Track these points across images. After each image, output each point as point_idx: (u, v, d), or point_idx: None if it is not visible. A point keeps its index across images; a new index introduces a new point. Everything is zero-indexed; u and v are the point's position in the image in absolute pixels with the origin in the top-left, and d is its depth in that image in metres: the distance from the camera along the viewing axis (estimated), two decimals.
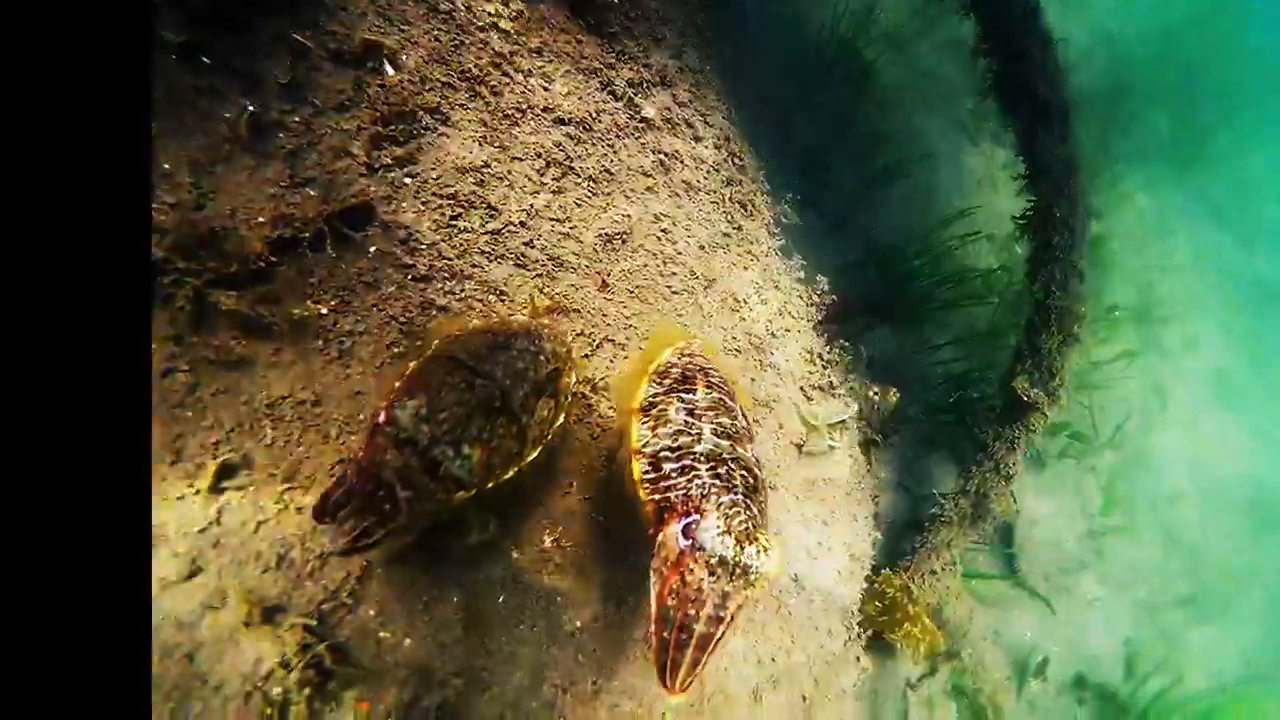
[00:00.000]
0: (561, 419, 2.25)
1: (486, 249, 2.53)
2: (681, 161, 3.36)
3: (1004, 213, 7.77)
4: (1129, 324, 8.44)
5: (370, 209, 2.18)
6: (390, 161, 2.30)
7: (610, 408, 2.64)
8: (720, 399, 2.18)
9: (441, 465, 1.68)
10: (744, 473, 1.93)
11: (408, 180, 2.35)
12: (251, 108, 1.98)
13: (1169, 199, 10.62)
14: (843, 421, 3.72)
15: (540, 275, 2.68)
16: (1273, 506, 9.12)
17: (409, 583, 2.16)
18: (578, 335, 2.74)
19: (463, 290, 2.44)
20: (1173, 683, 6.35)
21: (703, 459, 1.92)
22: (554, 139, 2.82)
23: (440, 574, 2.23)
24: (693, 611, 1.65)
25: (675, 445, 1.97)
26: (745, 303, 3.52)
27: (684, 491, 1.85)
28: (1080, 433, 7.01)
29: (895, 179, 6.96)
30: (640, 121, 3.20)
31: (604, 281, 2.83)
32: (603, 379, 2.65)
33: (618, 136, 3.10)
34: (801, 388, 3.72)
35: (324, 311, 2.11)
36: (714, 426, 2.04)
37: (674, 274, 3.19)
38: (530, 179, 2.72)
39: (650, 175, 3.20)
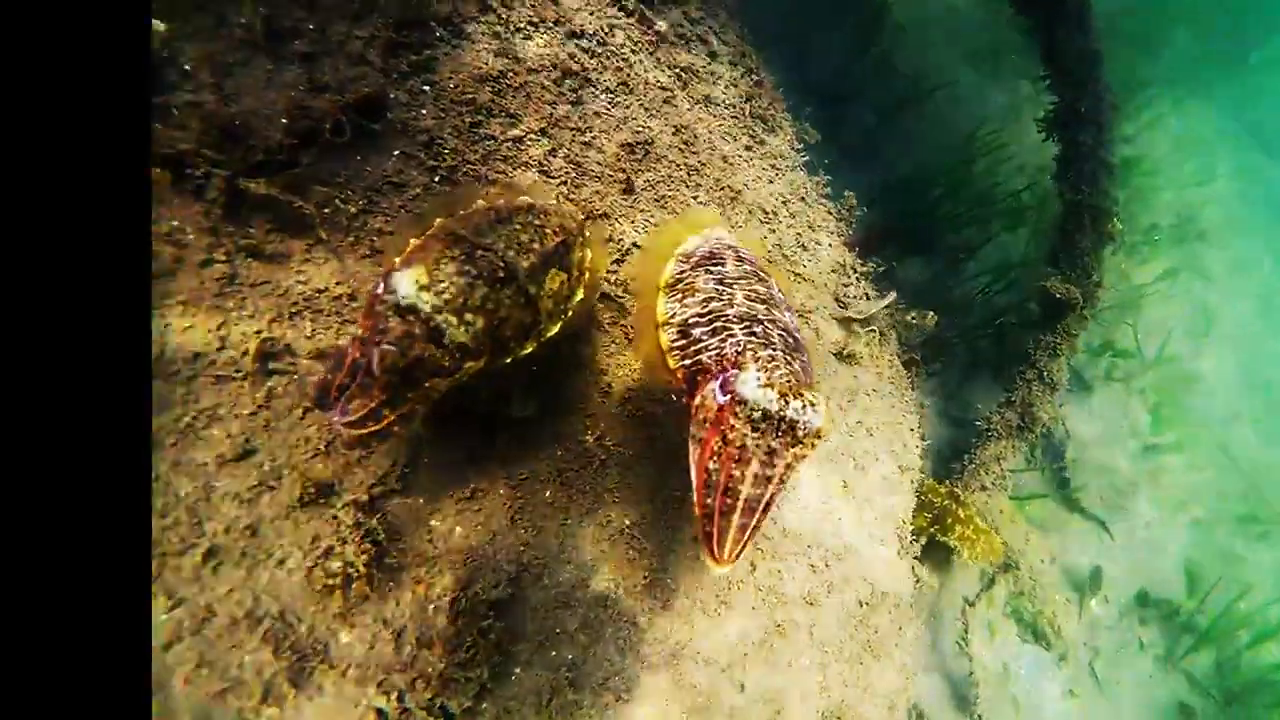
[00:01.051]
0: (581, 294, 2.16)
1: (509, 155, 2.52)
2: (698, 76, 3.32)
3: (1031, 145, 7.60)
4: (1169, 245, 8.19)
5: (383, 100, 2.17)
6: (407, 68, 2.30)
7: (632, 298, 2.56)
8: (753, 270, 2.03)
9: (446, 332, 1.58)
10: (782, 332, 1.79)
11: (426, 88, 2.35)
12: (264, 10, 1.99)
13: (1202, 120, 10.26)
14: (884, 309, 3.62)
15: (564, 183, 2.66)
16: None
17: (456, 473, 2.16)
18: (607, 240, 2.72)
19: (489, 193, 2.43)
20: (1236, 598, 6.16)
21: (736, 320, 1.78)
22: (569, 51, 2.80)
23: (485, 467, 2.23)
24: (737, 472, 1.51)
25: (706, 311, 1.84)
26: (774, 215, 3.46)
27: (718, 351, 1.71)
28: (1125, 350, 6.81)
29: (914, 111, 6.83)
30: (654, 35, 3.16)
31: (630, 184, 2.80)
32: (632, 279, 2.62)
33: (633, 51, 3.06)
34: (836, 297, 3.65)
35: (354, 210, 2.12)
36: (747, 293, 1.89)
37: (699, 185, 3.15)
38: (548, 89, 2.70)
39: (668, 89, 3.16)
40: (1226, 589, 6.28)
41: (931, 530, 4.27)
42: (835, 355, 3.55)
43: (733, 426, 1.53)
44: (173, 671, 1.71)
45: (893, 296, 3.67)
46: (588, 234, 2.26)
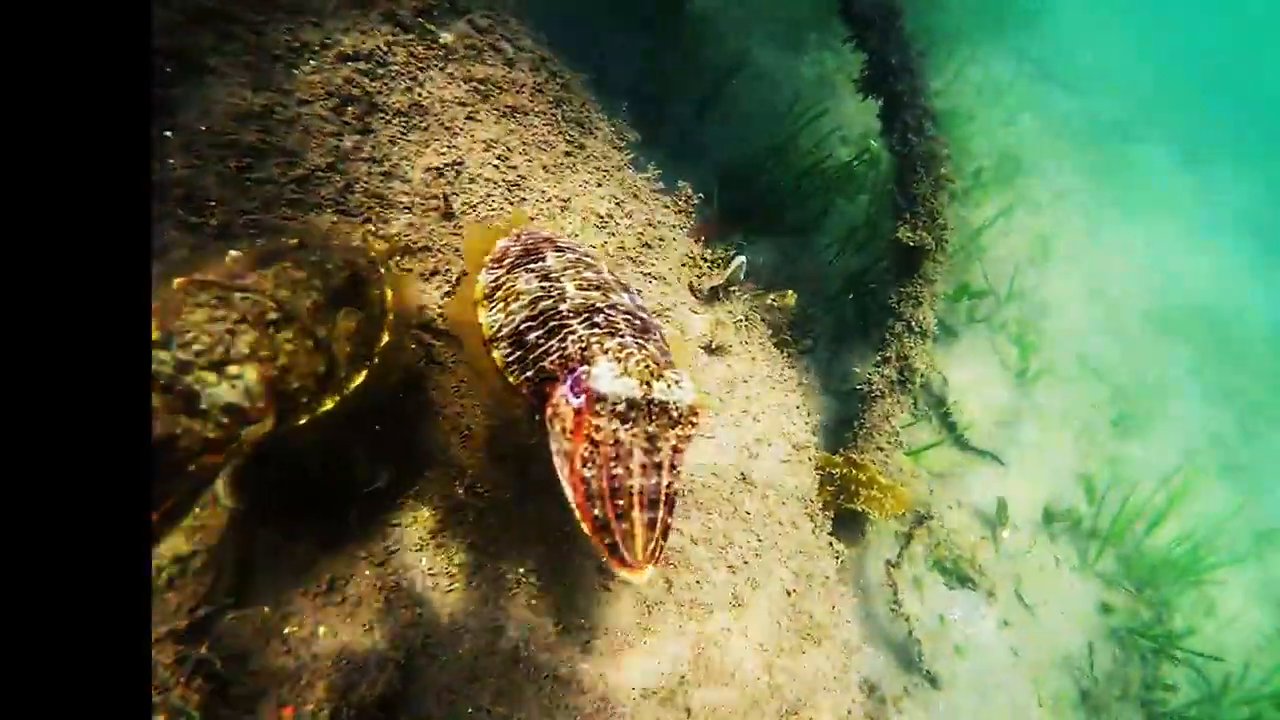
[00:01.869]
0: (388, 335, 1.84)
1: (296, 197, 2.23)
2: (499, 86, 3.12)
3: (848, 114, 7.87)
4: (996, 185, 8.66)
5: None
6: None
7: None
8: (578, 258, 1.84)
9: (202, 395, 1.23)
10: (626, 316, 1.62)
11: (168, 134, 2.03)
12: None
13: (997, 65, 11.03)
14: (736, 270, 3.52)
15: (369, 219, 2.40)
16: (1163, 314, 9.57)
17: (303, 566, 1.84)
18: (432, 274, 2.47)
19: (277, 246, 2.14)
20: (1128, 495, 6.49)
21: (572, 314, 1.59)
22: (344, 75, 2.54)
23: (340, 549, 1.92)
24: (619, 470, 1.33)
25: (536, 313, 1.63)
26: (610, 218, 3.30)
27: (559, 353, 1.52)
28: (980, 290, 7.11)
29: (728, 99, 6.91)
30: (441, 50, 2.94)
31: (448, 208, 2.57)
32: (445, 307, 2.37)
33: (419, 68, 2.83)
34: (690, 288, 3.53)
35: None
36: (578, 282, 1.70)
37: (523, 199, 2.95)
38: (328, 120, 2.43)
39: (467, 104, 2.95)
40: (1117, 489, 6.62)
41: (838, 502, 4.20)
42: (704, 349, 3.42)
43: (597, 427, 1.35)
44: None
45: (741, 260, 3.58)
46: (385, 268, 1.95)
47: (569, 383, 1.44)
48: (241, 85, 2.22)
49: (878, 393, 4.38)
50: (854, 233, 6.50)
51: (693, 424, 1.40)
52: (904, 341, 4.37)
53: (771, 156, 6.51)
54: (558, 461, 1.46)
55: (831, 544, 3.54)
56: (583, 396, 1.38)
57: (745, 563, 2.98)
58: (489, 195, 2.81)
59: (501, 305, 1.73)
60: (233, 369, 1.29)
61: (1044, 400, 7.18)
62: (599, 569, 2.43)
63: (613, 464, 1.34)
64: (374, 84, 2.61)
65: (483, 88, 3.04)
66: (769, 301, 4.38)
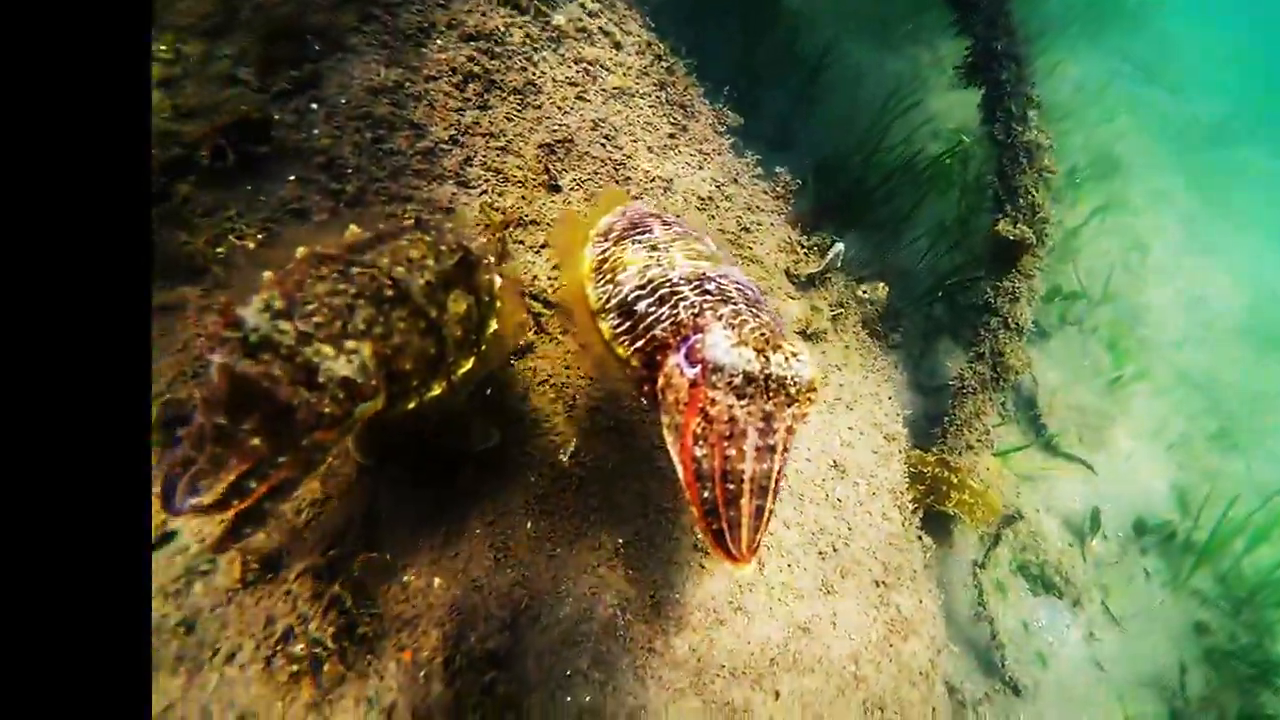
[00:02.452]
0: (494, 324, 1.78)
1: (421, 168, 2.30)
2: (606, 68, 3.15)
3: (942, 109, 7.67)
4: (1092, 185, 8.32)
5: (266, 122, 1.93)
6: (288, 86, 2.07)
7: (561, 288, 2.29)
8: (685, 231, 1.76)
9: (320, 367, 1.19)
10: (738, 285, 1.51)
11: (314, 105, 2.12)
12: None
13: (1096, 64, 10.57)
14: (835, 258, 3.47)
15: (485, 191, 2.45)
16: (1266, 329, 9.03)
17: (422, 520, 1.90)
18: (542, 247, 2.51)
19: (404, 211, 2.21)
20: (1226, 510, 6.15)
21: (683, 282, 1.49)
22: (466, 54, 2.60)
23: (454, 508, 1.97)
24: (732, 450, 1.23)
25: (645, 281, 1.54)
26: (710, 200, 3.30)
27: (671, 320, 1.42)
28: (1073, 293, 6.84)
29: (823, 92, 6.82)
30: (553, 31, 2.99)
31: (555, 183, 2.60)
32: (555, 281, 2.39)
33: (534, 49, 2.88)
34: (788, 273, 3.50)
35: (251, 246, 1.86)
36: (686, 252, 1.61)
37: (629, 178, 2.97)
38: (452, 96, 2.50)
39: (577, 84, 2.99)
40: (1215, 504, 6.28)
41: (928, 502, 4.10)
42: (800, 335, 3.39)
43: (712, 400, 1.26)
44: None
45: (840, 247, 3.52)
46: (493, 257, 1.89)
47: (683, 351, 1.35)
48: (377, 62, 2.30)
49: (970, 389, 4.26)
50: (945, 230, 6.33)
51: (810, 402, 1.29)
52: (999, 338, 4.23)
53: (862, 150, 6.39)
54: (668, 435, 1.37)
55: (920, 539, 3.47)
56: (698, 366, 1.29)
57: (835, 550, 2.94)
58: (596, 173, 2.84)
59: (609, 277, 1.66)
60: (350, 344, 1.25)
61: (1138, 408, 6.87)
62: (695, 545, 2.44)
63: (726, 443, 1.24)
64: (493, 63, 2.66)
65: (591, 69, 3.07)
66: (861, 293, 4.31)
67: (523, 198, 2.54)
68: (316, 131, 2.09)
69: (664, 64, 3.46)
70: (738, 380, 1.25)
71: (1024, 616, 5.02)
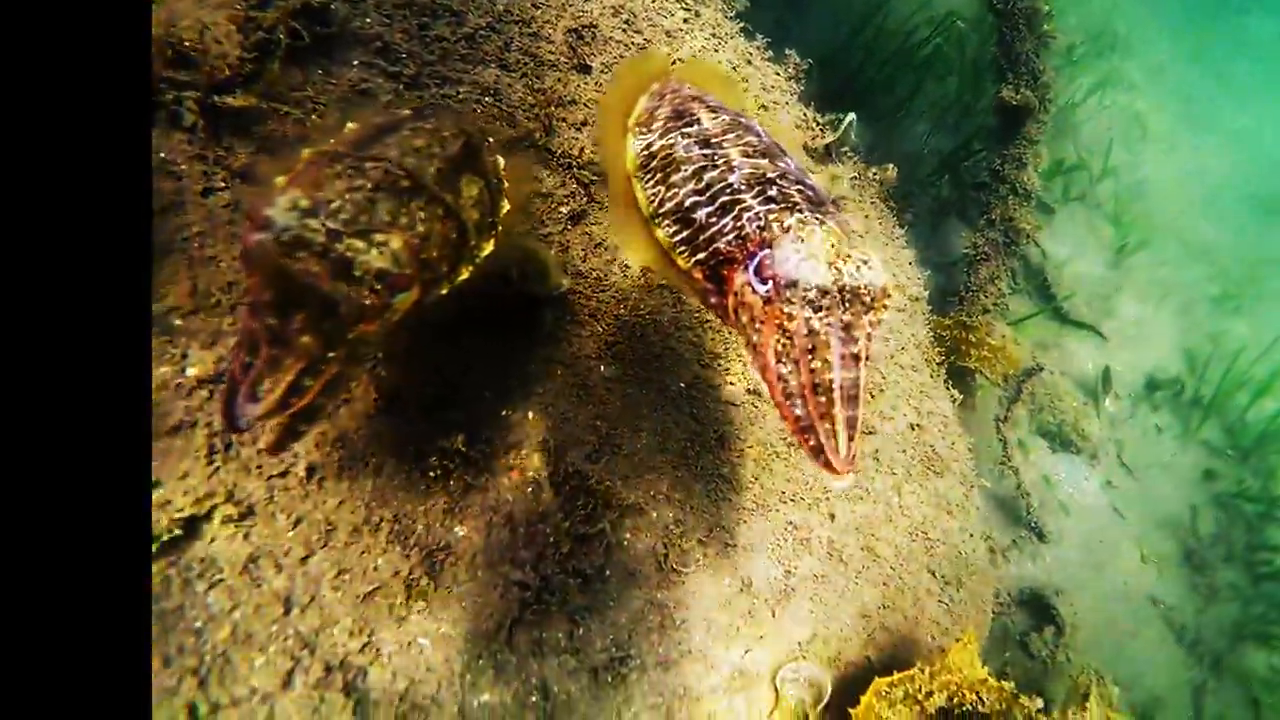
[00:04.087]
0: (507, 205, 1.76)
1: (465, 53, 2.41)
2: None
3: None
4: (1090, 62, 8.26)
5: (325, 8, 2.04)
6: None
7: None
8: (734, 119, 1.63)
9: (355, 261, 1.17)
10: (799, 186, 1.41)
11: None
12: None
13: None
14: (849, 126, 3.58)
15: (524, 75, 2.56)
16: (1266, 196, 9.06)
17: (509, 362, 2.09)
18: (582, 124, 2.63)
19: (457, 93, 2.33)
20: (1230, 366, 6.34)
21: (744, 186, 1.39)
22: None
23: (537, 351, 2.16)
24: (817, 363, 1.21)
25: (702, 185, 1.45)
26: (729, 80, 3.39)
27: (735, 233, 1.35)
28: (1075, 165, 6.90)
29: None
30: None
31: (585, 65, 2.71)
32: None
33: None
34: (805, 148, 3.61)
35: (331, 122, 2.00)
36: (742, 149, 1.49)
37: (650, 58, 3.06)
38: None
39: None
40: (1220, 362, 6.47)
41: (949, 361, 4.27)
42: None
43: (789, 316, 1.23)
44: (319, 581, 1.65)
45: (853, 117, 3.62)
46: (490, 139, 1.84)
47: (751, 268, 1.29)
48: None
49: (983, 255, 4.40)
50: (945, 113, 6.37)
51: (885, 308, 1.25)
52: (1008, 203, 4.34)
53: (859, 40, 6.38)
54: (749, 354, 1.34)
55: (948, 386, 3.65)
56: (769, 283, 1.25)
57: (872, 396, 3.13)
58: (621, 56, 2.93)
59: (659, 176, 1.56)
60: (379, 236, 1.23)
61: (1143, 277, 7.00)
62: (749, 390, 2.63)
63: (809, 357, 1.21)
64: None
65: None
66: (869, 173, 4.40)
67: (559, 79, 2.64)
68: (369, 20, 2.20)
69: None
70: (812, 294, 1.21)
71: (1045, 471, 5.26)
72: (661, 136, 1.63)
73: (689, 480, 2.32)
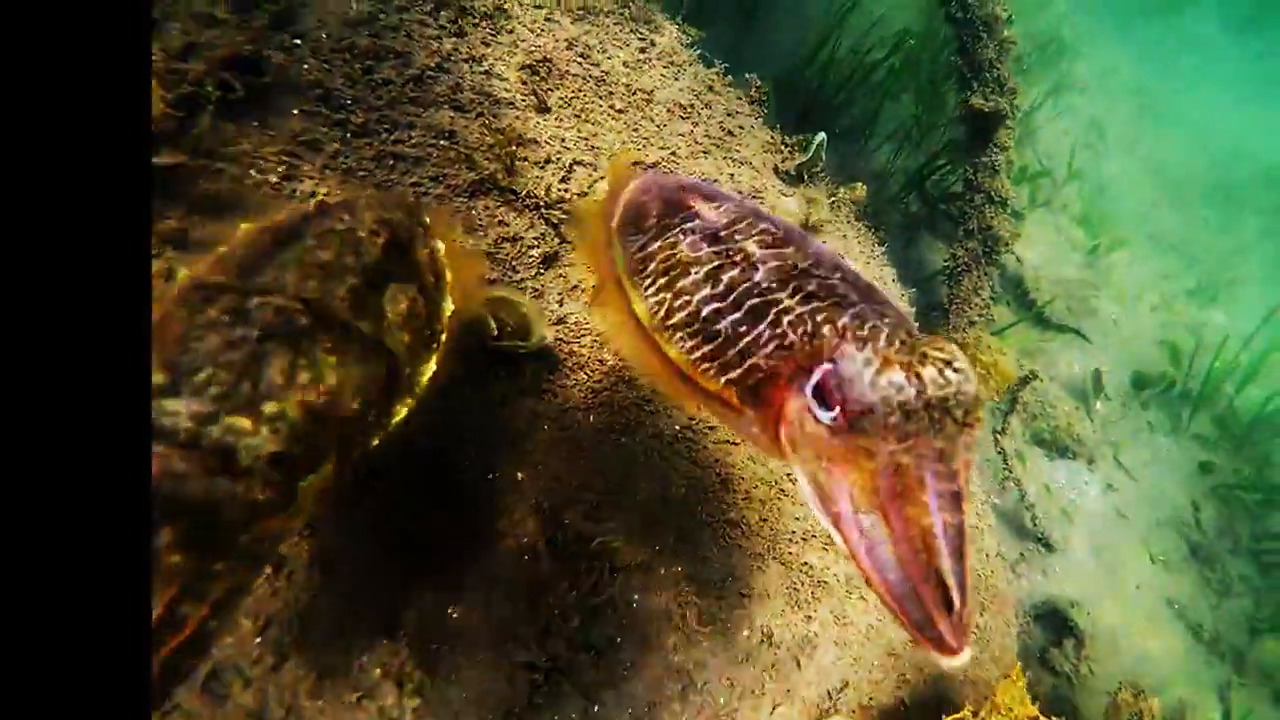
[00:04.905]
0: (450, 303, 1.44)
1: (415, 95, 2.25)
2: None
3: (886, 14, 7.61)
4: (1041, 69, 8.34)
5: (256, 57, 1.88)
6: (269, 22, 2.00)
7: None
8: (738, 205, 1.39)
9: (238, 448, 0.92)
10: (839, 275, 1.15)
11: (297, 41, 2.06)
12: None
13: None
14: (819, 146, 3.47)
15: (480, 114, 2.40)
16: (1228, 185, 9.17)
17: (493, 417, 1.91)
18: (546, 162, 2.47)
19: (411, 138, 2.16)
20: (1215, 357, 6.29)
21: (777, 285, 1.14)
22: None
23: (520, 407, 1.97)
24: (912, 511, 0.91)
25: (721, 289, 1.19)
26: (692, 109, 3.26)
27: (775, 343, 1.08)
28: (1039, 171, 6.90)
29: (766, 12, 6.75)
30: None
31: (542, 102, 2.57)
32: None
33: None
34: (775, 170, 3.48)
35: (275, 179, 1.82)
36: (758, 237, 1.25)
37: (611, 93, 2.93)
38: (427, 26, 2.44)
39: (543, 6, 2.93)
40: (1203, 354, 6.42)
41: None
42: (801, 226, 3.38)
43: (868, 452, 0.94)
44: (294, 690, 1.43)
45: (823, 136, 3.51)
46: (426, 218, 1.50)
47: (809, 388, 1.01)
48: None
49: (964, 266, 4.29)
50: (906, 131, 6.33)
51: (980, 421, 0.98)
52: (985, 212, 4.25)
53: (814, 63, 6.35)
54: (812, 497, 1.03)
55: None
56: (836, 409, 0.97)
57: None
58: (580, 90, 2.80)
59: (663, 281, 1.29)
60: (270, 406, 0.96)
61: (1118, 276, 6.98)
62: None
63: (905, 505, 0.92)
64: None
65: None
66: (839, 193, 4.31)
67: (516, 117, 2.49)
68: (307, 65, 2.02)
69: None
70: (895, 418, 0.93)
71: (1044, 480, 5.12)
72: (657, 237, 1.36)
73: (695, 529, 2.12)
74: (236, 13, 1.92)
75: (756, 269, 1.18)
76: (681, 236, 1.32)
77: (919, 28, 6.82)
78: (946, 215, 5.63)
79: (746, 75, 3.80)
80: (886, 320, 1.03)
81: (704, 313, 1.19)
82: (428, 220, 1.48)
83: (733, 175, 3.20)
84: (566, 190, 2.42)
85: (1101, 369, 5.75)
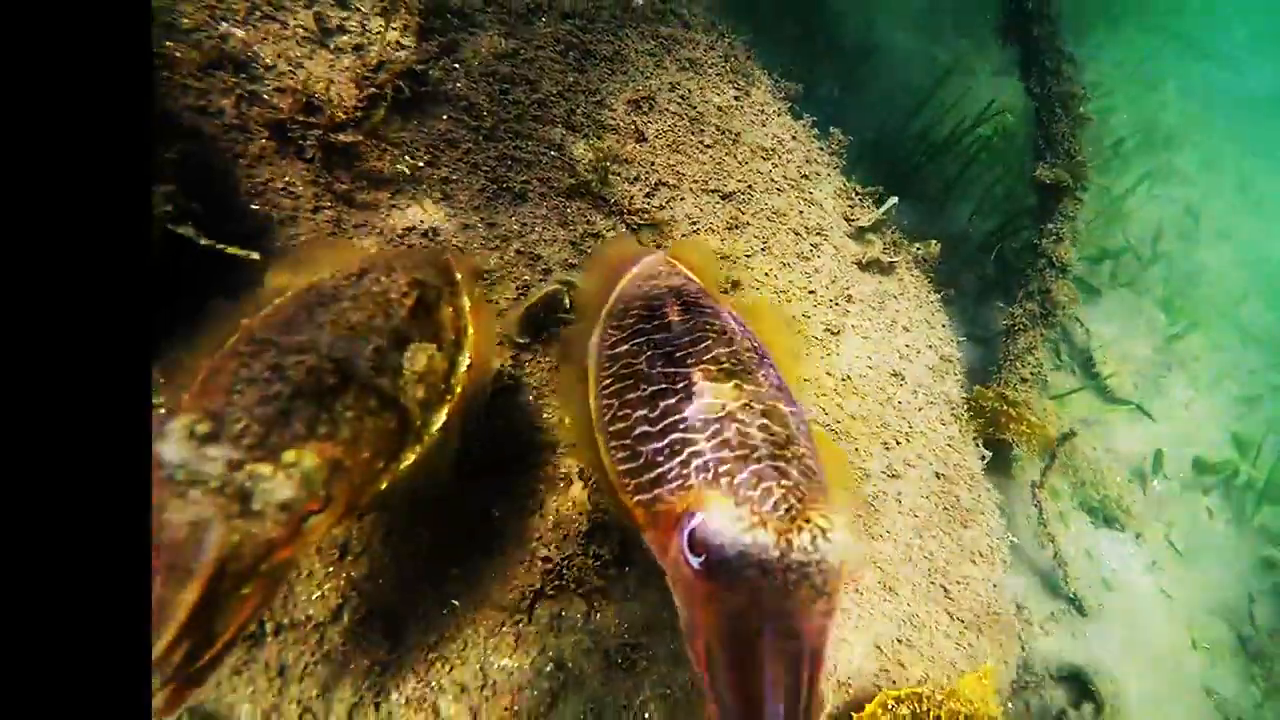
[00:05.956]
0: (467, 357, 1.58)
1: (537, 114, 2.75)
2: (678, 42, 3.57)
3: (987, 94, 7.85)
4: (1139, 156, 8.34)
5: (424, 75, 2.41)
6: (437, 50, 2.55)
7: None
8: (706, 322, 1.46)
9: (255, 492, 1.06)
10: (763, 423, 1.21)
11: (456, 65, 2.60)
12: (315, 10, 2.25)
13: (1140, 43, 10.53)
14: (889, 210, 3.78)
15: (587, 135, 2.88)
16: None
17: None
18: (633, 181, 2.92)
19: (528, 146, 2.65)
20: None
21: (700, 425, 1.22)
22: (565, 29, 3.05)
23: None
24: (745, 674, 1.00)
25: (656, 414, 1.28)
26: (773, 151, 3.66)
27: (679, 482, 1.18)
28: (1122, 249, 6.93)
29: (869, 80, 7.11)
30: (633, 12, 3.42)
31: (641, 133, 3.02)
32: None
33: (618, 25, 3.32)
34: (844, 216, 3.83)
35: (420, 164, 2.33)
36: (706, 365, 1.33)
37: (702, 130, 3.37)
38: (555, 63, 2.95)
39: (655, 55, 3.41)
40: (1276, 446, 6.26)
41: (989, 432, 4.31)
42: (857, 265, 3.71)
43: (721, 600, 1.03)
44: None
45: (894, 201, 3.83)
46: (457, 275, 1.68)
47: (684, 533, 1.10)
48: (498, 34, 2.77)
49: (1021, 326, 4.49)
50: (990, 198, 6.53)
51: (839, 589, 1.04)
52: (1044, 276, 4.46)
53: (909, 129, 6.65)
54: (684, 632, 1.13)
55: (977, 444, 3.72)
56: (701, 557, 1.06)
57: (898, 443, 3.24)
58: (674, 125, 3.25)
59: (617, 388, 1.40)
60: (289, 456, 1.10)
61: (1196, 360, 6.88)
62: None
63: (736, 654, 1.01)
64: (586, 36, 3.11)
65: (666, 43, 3.49)
66: (914, 249, 4.59)
67: (617, 140, 2.96)
68: (459, 84, 2.56)
69: (726, 41, 3.86)
70: (750, 574, 1.01)
71: (1086, 546, 5.15)
72: (628, 339, 1.48)
73: None
74: (418, 41, 2.46)
75: (691, 400, 1.26)
76: (646, 348, 1.42)
77: (1019, 103, 7.03)
78: (1021, 282, 5.80)
79: (831, 129, 4.18)
80: (785, 482, 1.09)
81: (636, 431, 1.28)
82: (458, 277, 1.68)
83: (802, 212, 3.57)
84: (649, 204, 2.86)
85: (1164, 449, 5.73)
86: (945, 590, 3.00)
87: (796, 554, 1.01)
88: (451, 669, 1.85)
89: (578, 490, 2.17)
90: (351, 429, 1.21)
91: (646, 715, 2.04)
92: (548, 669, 1.93)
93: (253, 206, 1.98)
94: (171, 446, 1.05)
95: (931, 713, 2.32)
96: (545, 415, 2.23)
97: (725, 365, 1.33)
